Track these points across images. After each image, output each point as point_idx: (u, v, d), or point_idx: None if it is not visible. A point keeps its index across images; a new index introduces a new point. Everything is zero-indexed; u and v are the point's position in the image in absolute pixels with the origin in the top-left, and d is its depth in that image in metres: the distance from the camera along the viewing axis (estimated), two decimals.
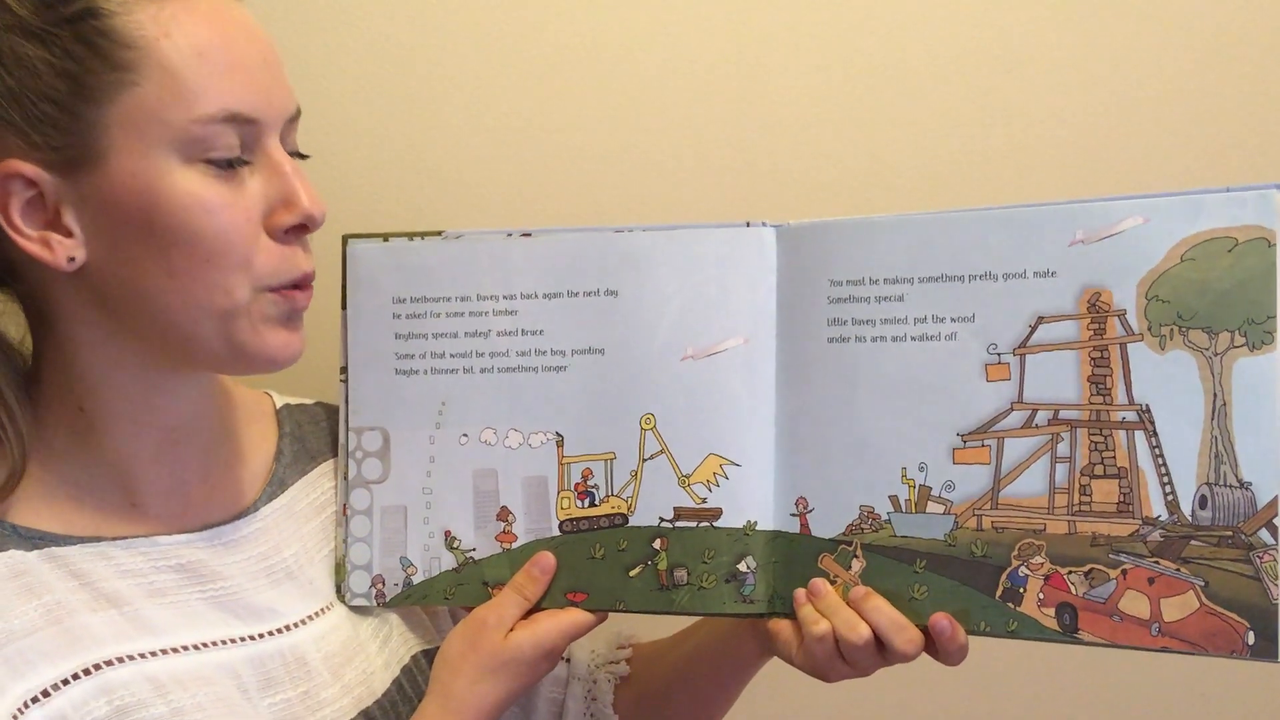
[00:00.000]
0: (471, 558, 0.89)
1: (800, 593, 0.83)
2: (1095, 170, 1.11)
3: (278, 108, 0.77)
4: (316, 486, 0.92)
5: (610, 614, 0.87)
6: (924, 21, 1.10)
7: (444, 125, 1.14)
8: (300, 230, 0.78)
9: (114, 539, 0.78)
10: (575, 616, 0.85)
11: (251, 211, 0.76)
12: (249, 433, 0.91)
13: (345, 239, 0.92)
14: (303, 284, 0.79)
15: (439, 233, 0.90)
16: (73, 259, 0.74)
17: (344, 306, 0.91)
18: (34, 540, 0.75)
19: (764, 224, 0.86)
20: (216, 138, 0.73)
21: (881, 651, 0.81)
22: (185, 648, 0.76)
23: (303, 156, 0.81)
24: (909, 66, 1.11)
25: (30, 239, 0.73)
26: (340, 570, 0.89)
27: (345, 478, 0.90)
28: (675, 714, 0.97)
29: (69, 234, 0.73)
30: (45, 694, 0.69)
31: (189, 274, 0.74)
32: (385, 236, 0.91)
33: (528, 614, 0.86)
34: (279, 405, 0.95)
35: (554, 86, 1.13)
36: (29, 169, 0.72)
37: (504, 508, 0.88)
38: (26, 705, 0.68)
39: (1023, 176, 1.12)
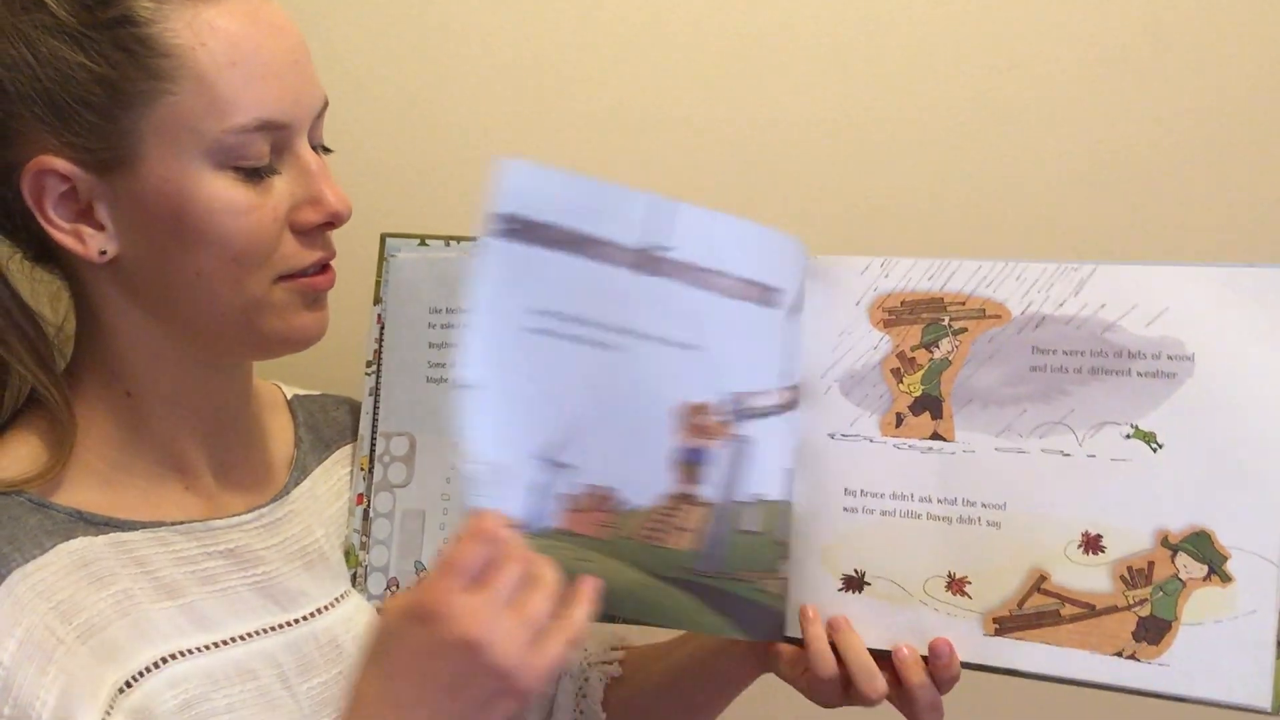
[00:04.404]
0: None
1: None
2: (1100, 172, 1.14)
3: (306, 106, 0.78)
4: (333, 474, 0.95)
5: None
6: (935, 30, 1.13)
7: (462, 125, 1.15)
8: (326, 228, 0.80)
9: (173, 524, 0.80)
10: None
11: (278, 210, 0.77)
12: (268, 419, 0.93)
13: (384, 238, 0.93)
14: (322, 266, 0.81)
15: (474, 238, 0.92)
16: (104, 252, 0.75)
17: (375, 301, 0.93)
18: (99, 525, 0.77)
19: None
20: (248, 146, 0.74)
21: (846, 692, 0.83)
22: (234, 640, 0.79)
23: (327, 150, 0.82)
24: (921, 74, 1.13)
25: (64, 231, 0.75)
26: (351, 557, 0.92)
27: (367, 471, 0.93)
28: (664, 718, 1.00)
29: (101, 227, 0.75)
30: (129, 684, 0.72)
31: (217, 273, 0.76)
32: (423, 239, 0.93)
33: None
34: (289, 396, 0.97)
35: (572, 89, 1.14)
36: (62, 165, 0.73)
37: None
38: (122, 690, 0.72)
39: (1025, 180, 1.14)
